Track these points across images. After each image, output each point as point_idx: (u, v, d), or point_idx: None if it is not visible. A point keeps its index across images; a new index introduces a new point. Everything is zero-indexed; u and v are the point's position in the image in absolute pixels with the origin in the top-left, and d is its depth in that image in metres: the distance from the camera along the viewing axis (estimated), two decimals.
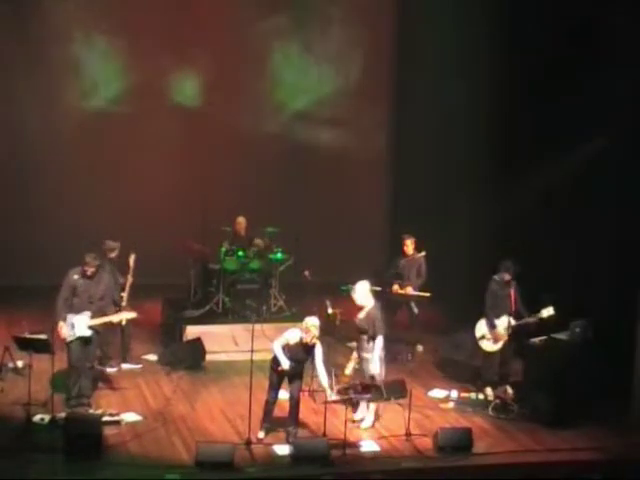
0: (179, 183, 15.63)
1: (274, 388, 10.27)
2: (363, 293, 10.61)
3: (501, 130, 13.64)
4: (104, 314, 10.78)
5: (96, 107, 15.64)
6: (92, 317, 10.63)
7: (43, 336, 10.40)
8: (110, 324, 10.98)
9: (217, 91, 15.98)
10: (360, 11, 16.17)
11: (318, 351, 10.16)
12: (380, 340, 10.46)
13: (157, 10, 15.25)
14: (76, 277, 10.65)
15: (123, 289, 11.98)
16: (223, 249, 13.65)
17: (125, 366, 12.23)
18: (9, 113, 15.21)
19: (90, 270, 10.60)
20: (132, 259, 12.13)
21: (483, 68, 13.91)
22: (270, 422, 10.28)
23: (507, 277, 11.40)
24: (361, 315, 10.63)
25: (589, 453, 10.24)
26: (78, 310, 10.59)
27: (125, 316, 11.00)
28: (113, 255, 11.93)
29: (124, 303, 11.81)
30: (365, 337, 10.54)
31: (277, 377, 10.24)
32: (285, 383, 10.28)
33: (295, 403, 10.31)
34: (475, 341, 11.73)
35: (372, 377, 10.48)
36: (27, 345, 10.42)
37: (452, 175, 14.72)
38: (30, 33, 14.90)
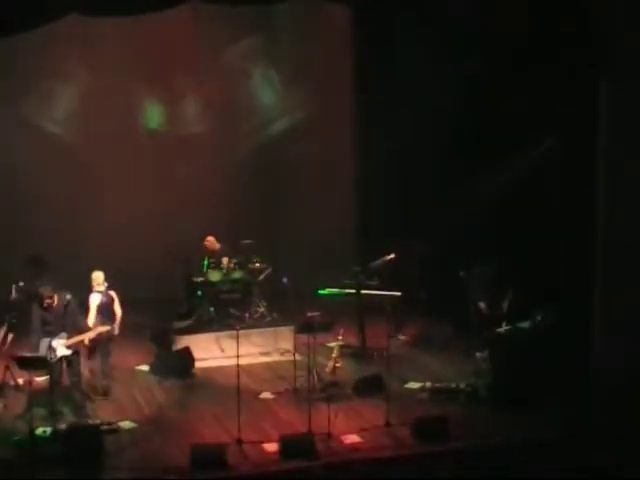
0: (159, 203, 15.84)
1: None
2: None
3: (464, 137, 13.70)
4: (81, 332, 11.06)
5: (75, 136, 15.80)
6: (68, 337, 10.87)
7: (41, 355, 10.61)
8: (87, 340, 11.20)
9: (193, 115, 16.33)
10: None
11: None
12: None
13: (131, 39, 15.39)
14: (40, 310, 10.89)
15: None
16: (205, 262, 14.13)
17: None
18: None
19: (47, 302, 10.84)
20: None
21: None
22: None
23: None
24: None
25: (553, 432, 10.66)
26: (56, 334, 10.84)
27: (101, 330, 11.17)
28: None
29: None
30: None
31: None
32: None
33: None
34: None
35: None
36: (26, 364, 10.59)
37: (415, 182, 14.79)
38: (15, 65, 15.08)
